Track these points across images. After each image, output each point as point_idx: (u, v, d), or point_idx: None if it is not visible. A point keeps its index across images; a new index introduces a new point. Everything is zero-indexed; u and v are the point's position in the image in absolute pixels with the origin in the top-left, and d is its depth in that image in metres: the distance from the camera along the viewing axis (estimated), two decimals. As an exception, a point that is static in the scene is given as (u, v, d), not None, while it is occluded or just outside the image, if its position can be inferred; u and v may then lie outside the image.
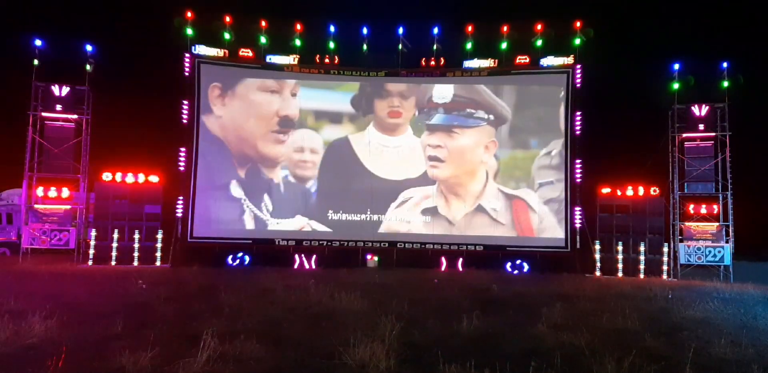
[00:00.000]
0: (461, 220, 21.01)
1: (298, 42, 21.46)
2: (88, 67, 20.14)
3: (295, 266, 20.10)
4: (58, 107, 19.83)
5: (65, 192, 20.01)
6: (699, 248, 19.71)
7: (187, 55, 20.89)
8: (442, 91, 21.46)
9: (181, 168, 20.60)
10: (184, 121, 20.76)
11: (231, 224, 20.81)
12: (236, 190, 21.03)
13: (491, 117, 21.26)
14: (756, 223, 24.06)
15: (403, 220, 21.13)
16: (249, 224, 20.88)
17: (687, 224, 20.24)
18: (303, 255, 20.36)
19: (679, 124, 20.53)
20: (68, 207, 19.94)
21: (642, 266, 19.81)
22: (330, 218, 21.10)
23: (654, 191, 20.49)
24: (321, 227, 21.05)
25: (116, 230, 19.48)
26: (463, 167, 21.23)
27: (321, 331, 8.33)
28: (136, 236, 19.56)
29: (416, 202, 21.14)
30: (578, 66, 21.03)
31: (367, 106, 21.54)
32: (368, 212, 21.16)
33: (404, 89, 21.56)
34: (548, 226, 20.90)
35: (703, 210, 20.17)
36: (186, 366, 6.15)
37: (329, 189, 21.25)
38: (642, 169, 21.07)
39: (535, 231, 20.84)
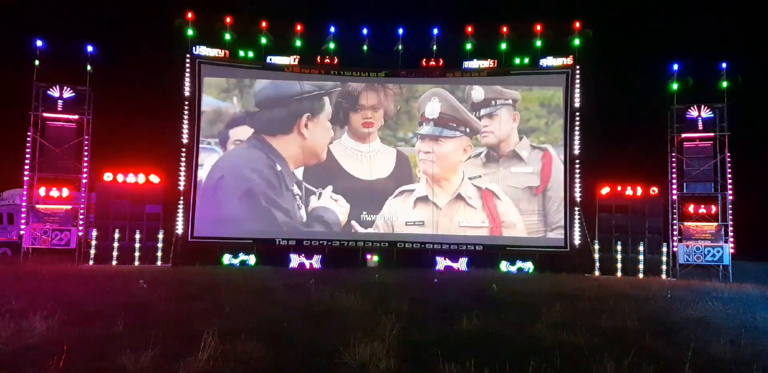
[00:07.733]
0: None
1: (298, 43, 21.50)
2: (88, 67, 20.19)
3: (295, 266, 20.15)
4: (59, 107, 19.87)
5: (66, 192, 20.03)
6: (698, 248, 19.73)
7: (188, 55, 20.93)
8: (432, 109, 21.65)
9: (182, 168, 20.65)
10: (184, 120, 20.80)
11: (231, 224, 20.83)
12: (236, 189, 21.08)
13: (467, 130, 21.54)
14: (755, 223, 24.06)
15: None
16: (249, 224, 20.91)
17: (686, 223, 20.26)
18: (303, 255, 20.39)
19: (678, 124, 20.57)
20: (69, 207, 19.97)
21: (641, 266, 19.84)
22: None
23: (653, 191, 20.52)
24: (320, 228, 21.11)
25: (117, 230, 19.49)
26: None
27: (321, 330, 8.35)
28: (137, 236, 19.55)
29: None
30: (577, 66, 21.07)
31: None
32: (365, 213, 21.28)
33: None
34: (547, 225, 20.97)
35: (702, 210, 20.20)
36: (187, 365, 6.18)
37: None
38: (641, 169, 21.10)
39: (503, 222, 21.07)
